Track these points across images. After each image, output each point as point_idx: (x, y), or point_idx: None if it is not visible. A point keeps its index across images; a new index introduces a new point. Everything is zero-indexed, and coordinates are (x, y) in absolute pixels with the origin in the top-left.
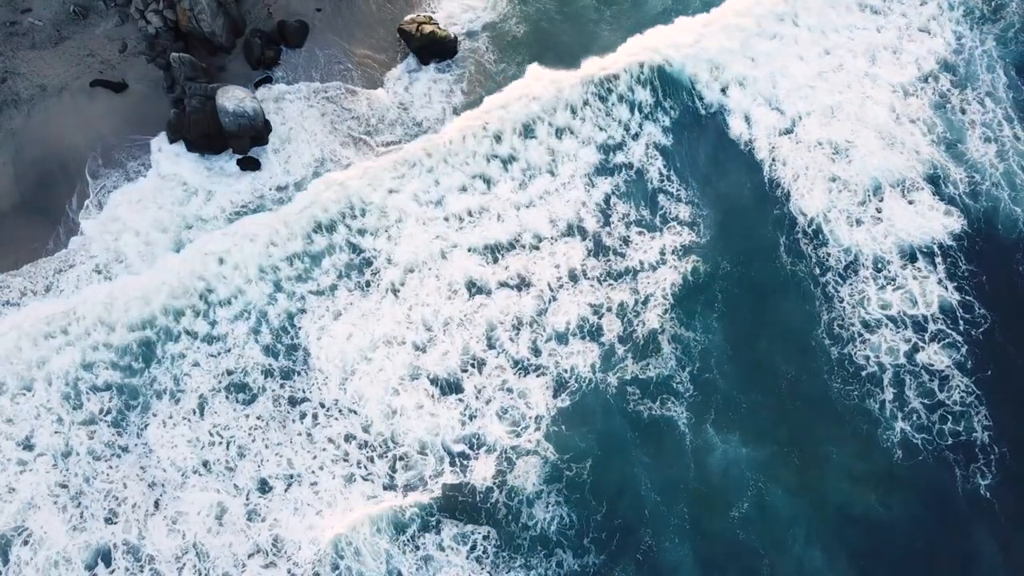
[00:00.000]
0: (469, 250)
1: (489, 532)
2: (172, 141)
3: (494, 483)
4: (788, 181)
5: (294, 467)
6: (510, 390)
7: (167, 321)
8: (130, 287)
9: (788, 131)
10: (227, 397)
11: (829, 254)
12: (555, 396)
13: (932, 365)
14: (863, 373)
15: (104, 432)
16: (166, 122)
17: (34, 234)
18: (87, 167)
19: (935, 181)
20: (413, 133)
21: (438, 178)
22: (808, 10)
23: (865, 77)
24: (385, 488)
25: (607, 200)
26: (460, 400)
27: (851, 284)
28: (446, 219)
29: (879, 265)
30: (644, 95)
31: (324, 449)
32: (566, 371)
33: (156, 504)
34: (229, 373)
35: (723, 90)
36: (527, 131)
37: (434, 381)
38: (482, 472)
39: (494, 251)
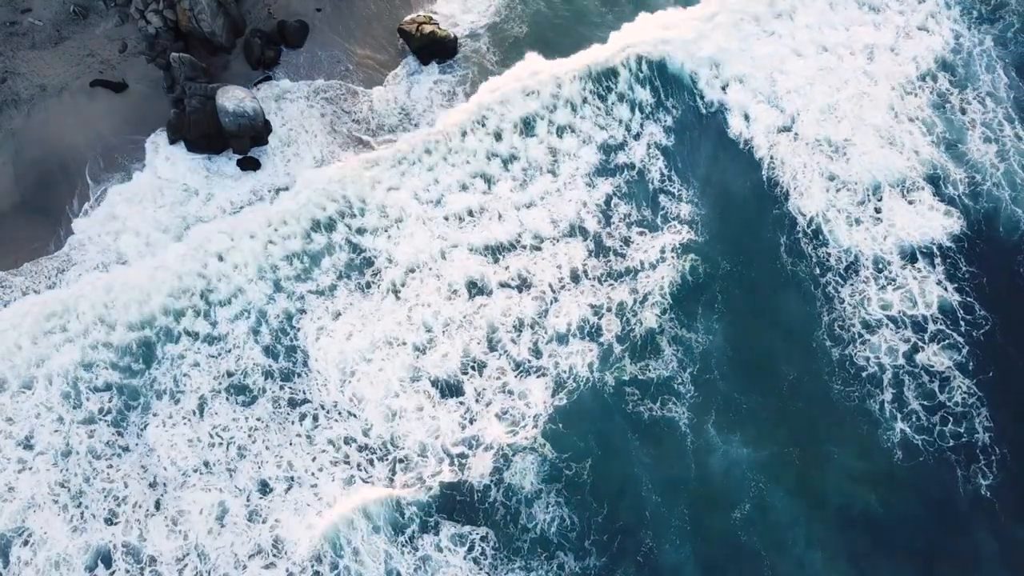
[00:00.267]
0: (470, 250)
1: (487, 533)
2: (172, 141)
3: (491, 481)
4: (787, 180)
5: (294, 469)
6: (510, 392)
7: (167, 321)
8: (131, 277)
9: (786, 129)
10: (227, 398)
11: (829, 254)
12: (553, 395)
13: (932, 366)
14: (864, 374)
15: (104, 431)
16: (166, 122)
17: (34, 234)
18: (87, 167)
19: (935, 181)
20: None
21: (438, 176)
22: (806, 5)
23: (863, 75)
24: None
25: (608, 200)
26: (461, 403)
27: (852, 284)
28: (446, 218)
29: (879, 265)
30: (644, 94)
31: (324, 451)
32: (565, 371)
33: (157, 505)
34: (229, 374)
35: (723, 88)
36: (527, 128)
37: (435, 383)
38: (479, 469)
39: (495, 251)
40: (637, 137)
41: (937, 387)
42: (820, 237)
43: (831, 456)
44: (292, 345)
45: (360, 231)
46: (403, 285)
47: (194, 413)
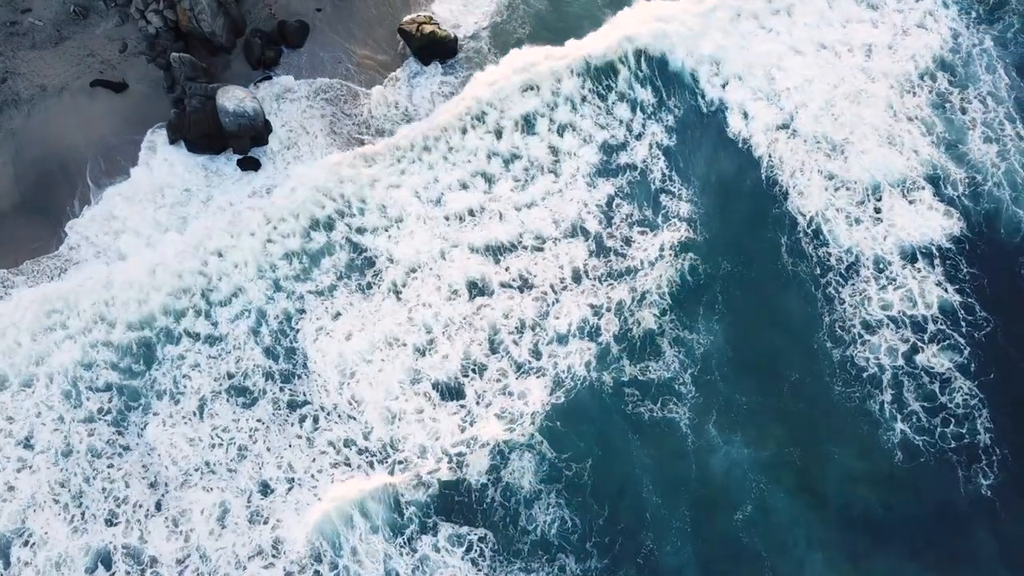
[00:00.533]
0: (471, 250)
1: (486, 534)
2: (172, 141)
3: (489, 480)
4: (786, 179)
5: (294, 470)
6: (510, 393)
7: (167, 322)
8: (131, 272)
9: (785, 126)
10: (228, 400)
11: (830, 254)
12: (551, 393)
13: (932, 368)
14: (865, 375)
15: (105, 431)
16: (166, 122)
17: (34, 234)
18: (87, 167)
19: (935, 181)
20: None
21: (438, 175)
22: (804, 3)
23: (861, 72)
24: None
25: (610, 201)
26: (462, 406)
27: (853, 284)
28: (447, 218)
29: (880, 266)
30: (645, 94)
31: (324, 452)
32: (564, 371)
33: (158, 505)
34: (230, 376)
35: (723, 85)
36: (528, 126)
37: (435, 386)
38: (477, 466)
39: (496, 251)
40: (639, 137)
41: (938, 388)
42: (820, 237)
43: (832, 456)
44: (292, 346)
45: (360, 230)
46: (404, 286)
47: (194, 414)
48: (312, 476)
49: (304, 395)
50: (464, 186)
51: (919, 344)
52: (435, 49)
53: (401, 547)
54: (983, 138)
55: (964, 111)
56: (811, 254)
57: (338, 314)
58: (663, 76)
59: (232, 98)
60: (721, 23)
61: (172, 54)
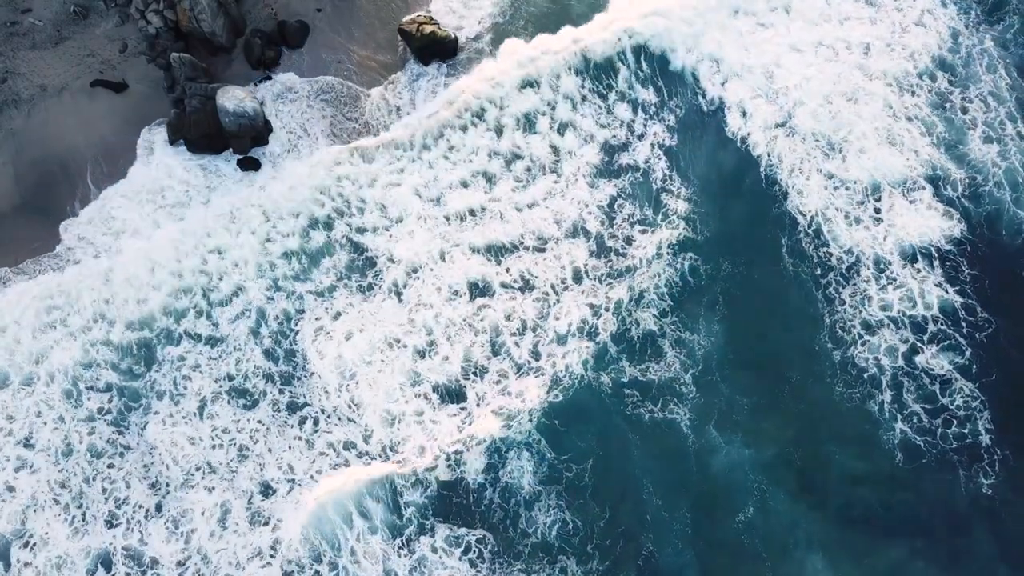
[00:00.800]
0: (472, 250)
1: (484, 536)
2: (172, 141)
3: (487, 479)
4: (785, 177)
5: (295, 472)
6: (510, 393)
7: (167, 322)
8: (130, 265)
9: (783, 124)
10: (228, 401)
11: (830, 254)
12: (548, 391)
13: (932, 368)
14: (865, 375)
15: (105, 431)
16: (167, 122)
17: (34, 234)
18: (87, 167)
19: (935, 181)
20: None
21: (438, 174)
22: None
23: (859, 70)
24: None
25: (612, 201)
26: (463, 408)
27: (853, 284)
28: (447, 218)
29: (880, 266)
30: (646, 93)
31: (323, 453)
32: (562, 370)
33: (159, 507)
34: (230, 377)
35: (723, 83)
36: (529, 125)
37: (435, 388)
38: (474, 464)
39: (497, 252)
40: (641, 137)
41: (938, 389)
42: (821, 237)
43: (833, 457)
44: (292, 348)
45: (360, 230)
46: (404, 286)
47: (195, 415)
48: (312, 478)
49: (304, 397)
50: (465, 185)
51: (919, 345)
52: (435, 49)
53: (399, 548)
54: (983, 138)
55: (964, 111)
56: (811, 254)
57: (338, 315)
58: (664, 75)
59: (232, 98)
60: (720, 19)
61: (172, 54)
